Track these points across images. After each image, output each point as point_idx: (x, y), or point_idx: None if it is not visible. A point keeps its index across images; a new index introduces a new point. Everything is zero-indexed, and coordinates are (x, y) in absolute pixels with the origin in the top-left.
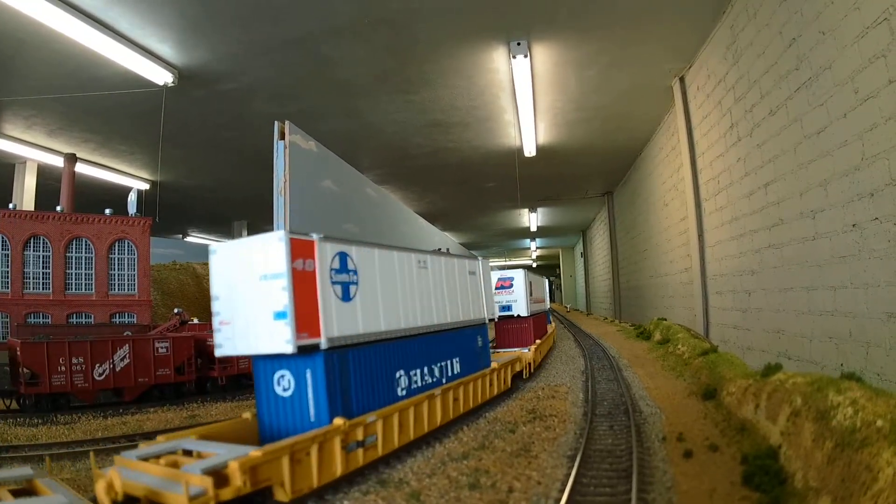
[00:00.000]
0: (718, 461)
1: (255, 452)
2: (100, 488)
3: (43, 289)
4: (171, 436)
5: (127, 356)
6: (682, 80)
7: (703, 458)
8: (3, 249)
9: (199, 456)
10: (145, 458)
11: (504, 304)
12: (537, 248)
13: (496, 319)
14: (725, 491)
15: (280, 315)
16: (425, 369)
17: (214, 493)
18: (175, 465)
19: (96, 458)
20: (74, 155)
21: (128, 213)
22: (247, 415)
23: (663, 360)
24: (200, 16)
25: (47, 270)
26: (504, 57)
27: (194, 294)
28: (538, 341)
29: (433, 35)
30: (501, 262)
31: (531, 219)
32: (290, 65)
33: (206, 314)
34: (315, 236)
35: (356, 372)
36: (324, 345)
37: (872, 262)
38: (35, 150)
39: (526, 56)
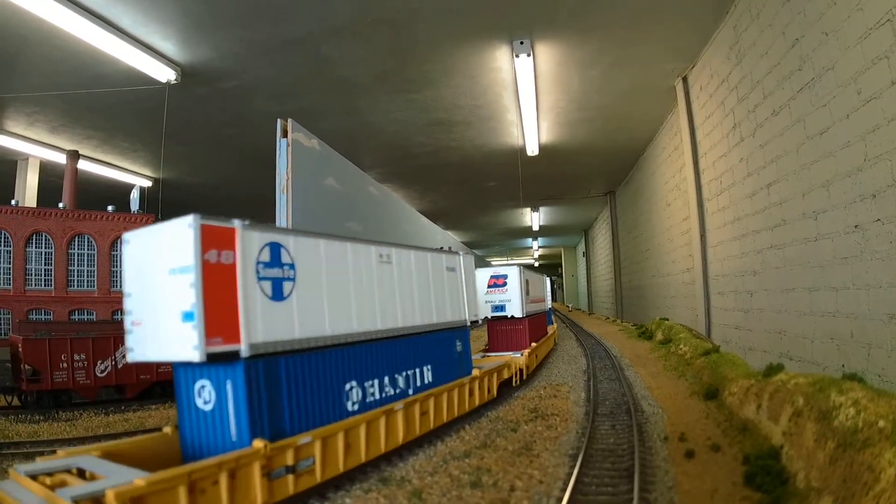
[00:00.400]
0: (720, 461)
1: (139, 481)
2: None
3: (45, 285)
4: (72, 451)
5: None
6: (684, 79)
7: (704, 458)
8: (4, 246)
9: (92, 478)
10: (34, 475)
11: (497, 303)
12: (539, 247)
13: (480, 321)
14: (727, 491)
15: (188, 316)
16: (386, 379)
17: None
18: (63, 485)
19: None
20: (77, 152)
21: (130, 210)
22: (167, 428)
23: (665, 359)
24: (203, 14)
25: (49, 267)
26: (507, 56)
27: None
28: (534, 344)
29: (434, 34)
30: (504, 262)
31: (533, 218)
32: (291, 63)
33: None
34: (237, 223)
35: (290, 384)
36: (245, 352)
37: (874, 263)
38: (37, 147)
39: (529, 55)
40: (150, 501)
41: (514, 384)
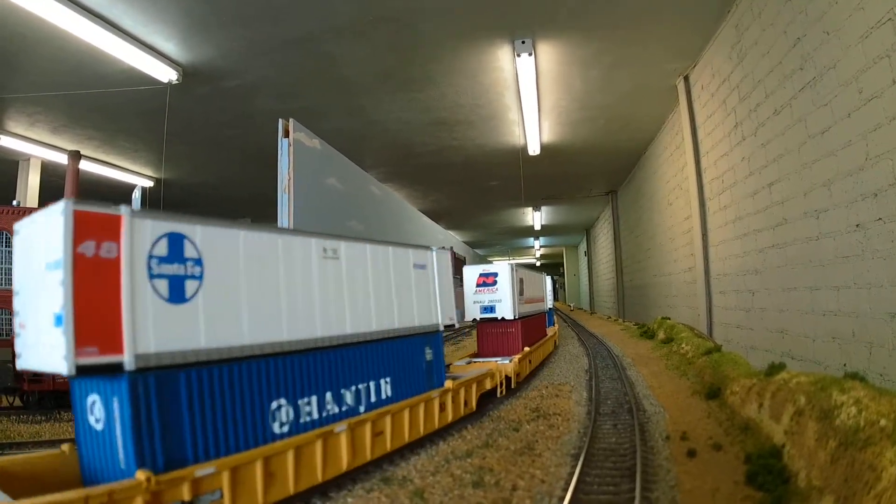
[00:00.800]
0: (722, 460)
1: None
2: None
3: None
4: None
5: None
6: (686, 79)
7: (706, 457)
8: (6, 246)
9: None
10: None
11: (486, 304)
12: (541, 246)
13: (456, 325)
14: (729, 490)
15: (58, 320)
16: (328, 396)
17: None
18: None
19: None
20: (78, 152)
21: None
22: (65, 446)
23: (667, 359)
24: (205, 13)
25: None
26: (508, 55)
27: None
28: (527, 349)
29: (436, 33)
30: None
31: (535, 217)
32: (292, 63)
33: None
34: (124, 209)
35: (195, 403)
36: (130, 364)
37: (876, 262)
38: (39, 148)
39: (531, 54)
40: None
41: (498, 395)
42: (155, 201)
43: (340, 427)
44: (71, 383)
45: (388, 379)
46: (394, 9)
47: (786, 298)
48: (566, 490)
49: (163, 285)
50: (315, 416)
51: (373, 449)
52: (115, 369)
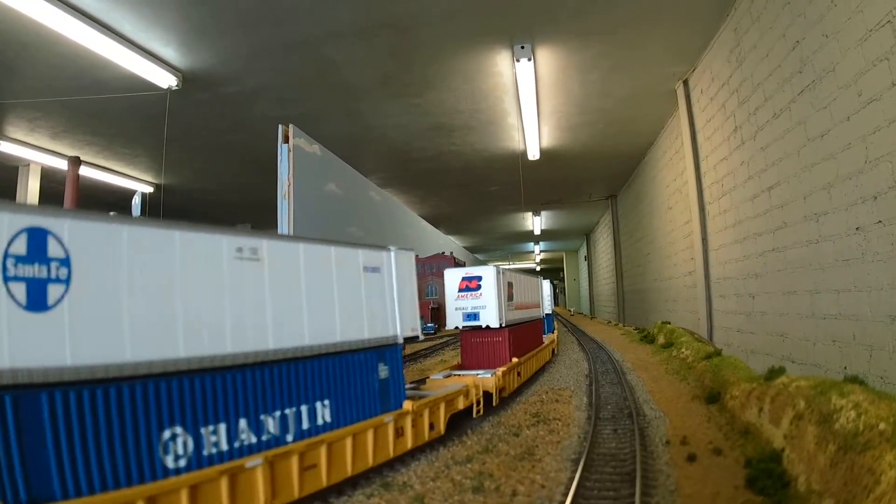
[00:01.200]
0: (722, 465)
1: None
2: None
3: None
4: None
5: None
6: (685, 83)
7: (706, 461)
8: None
9: None
10: None
11: (469, 311)
12: (541, 251)
13: (420, 337)
14: (729, 494)
15: None
16: (241, 423)
17: None
18: None
19: None
20: (78, 158)
21: (132, 215)
22: None
23: (667, 363)
24: (204, 19)
25: None
26: (507, 60)
27: None
28: (515, 360)
29: (436, 38)
30: (505, 266)
31: (535, 222)
32: (292, 68)
33: None
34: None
35: (62, 430)
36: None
37: (875, 265)
38: (39, 153)
39: (530, 59)
40: None
41: (474, 415)
42: (155, 207)
43: (253, 462)
44: None
45: (326, 402)
46: (394, 14)
47: (786, 302)
48: (566, 495)
49: (20, 290)
50: (224, 447)
51: (301, 486)
52: None
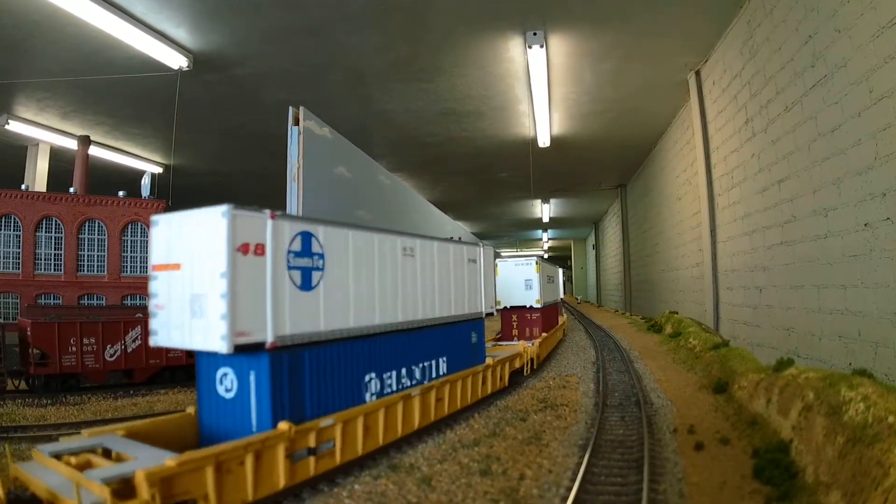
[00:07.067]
0: (729, 454)
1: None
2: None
3: (55, 270)
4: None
5: (139, 337)
6: (697, 74)
7: (713, 450)
8: (14, 230)
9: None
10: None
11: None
12: (549, 239)
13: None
14: (736, 483)
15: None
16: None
17: None
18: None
19: None
20: (88, 137)
21: (141, 196)
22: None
23: (674, 353)
24: (216, 0)
25: (59, 251)
26: (520, 47)
27: None
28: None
29: (448, 23)
30: (513, 253)
31: (543, 210)
32: (304, 51)
33: None
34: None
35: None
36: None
37: (883, 261)
38: (48, 133)
39: (542, 46)
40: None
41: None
42: (164, 187)
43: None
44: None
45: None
46: None
47: (793, 296)
48: (573, 480)
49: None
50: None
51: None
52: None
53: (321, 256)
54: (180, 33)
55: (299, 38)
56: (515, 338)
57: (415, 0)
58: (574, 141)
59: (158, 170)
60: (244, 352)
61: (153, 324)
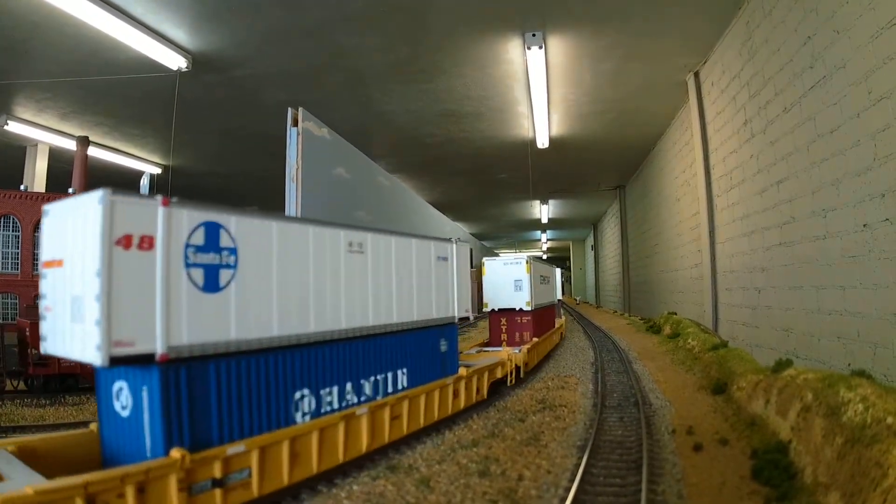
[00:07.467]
0: (728, 455)
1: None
2: None
3: None
4: None
5: None
6: (696, 75)
7: (712, 451)
8: (13, 231)
9: None
10: None
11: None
12: (548, 240)
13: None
14: (735, 484)
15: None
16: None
17: None
18: None
19: None
20: (87, 138)
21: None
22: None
23: (673, 354)
24: (215, 1)
25: None
26: (519, 48)
27: None
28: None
29: (447, 24)
30: (512, 254)
31: (542, 211)
32: (303, 52)
33: None
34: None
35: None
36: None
37: (882, 262)
38: (47, 133)
39: (541, 47)
40: None
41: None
42: (163, 188)
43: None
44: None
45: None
46: None
47: (792, 297)
48: (572, 481)
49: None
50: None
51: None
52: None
53: (232, 252)
54: (179, 34)
55: (299, 38)
56: (504, 343)
57: (415, 1)
58: (573, 142)
59: (157, 171)
60: (131, 364)
61: (43, 328)
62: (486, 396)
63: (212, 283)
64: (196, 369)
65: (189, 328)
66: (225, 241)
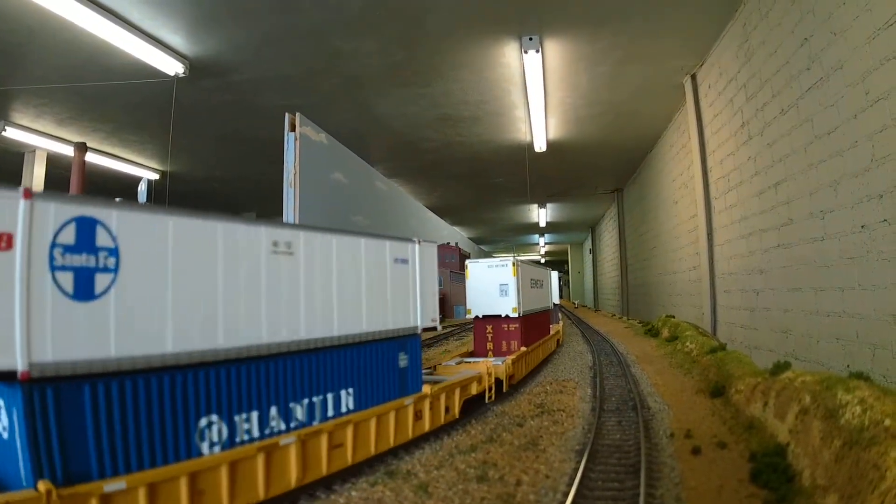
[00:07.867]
0: (726, 458)
1: None
2: None
3: None
4: None
5: None
6: (693, 77)
7: (711, 455)
8: None
9: None
10: None
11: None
12: (546, 243)
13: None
14: (733, 488)
15: None
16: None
17: None
18: None
19: None
20: (84, 144)
21: (138, 202)
22: None
23: (671, 357)
24: (213, 6)
25: None
26: (515, 52)
27: None
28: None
29: (444, 29)
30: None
31: (540, 214)
32: (300, 57)
33: None
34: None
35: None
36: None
37: (880, 263)
38: (44, 139)
39: (538, 51)
40: None
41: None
42: (161, 194)
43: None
44: None
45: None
46: (402, 3)
47: (790, 299)
48: (570, 486)
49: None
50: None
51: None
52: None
53: (113, 252)
54: (177, 39)
55: (296, 43)
56: (490, 353)
57: (411, 5)
58: (570, 146)
59: (155, 176)
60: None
61: None
62: (457, 416)
63: (85, 290)
64: (66, 391)
65: (54, 342)
66: (103, 239)
